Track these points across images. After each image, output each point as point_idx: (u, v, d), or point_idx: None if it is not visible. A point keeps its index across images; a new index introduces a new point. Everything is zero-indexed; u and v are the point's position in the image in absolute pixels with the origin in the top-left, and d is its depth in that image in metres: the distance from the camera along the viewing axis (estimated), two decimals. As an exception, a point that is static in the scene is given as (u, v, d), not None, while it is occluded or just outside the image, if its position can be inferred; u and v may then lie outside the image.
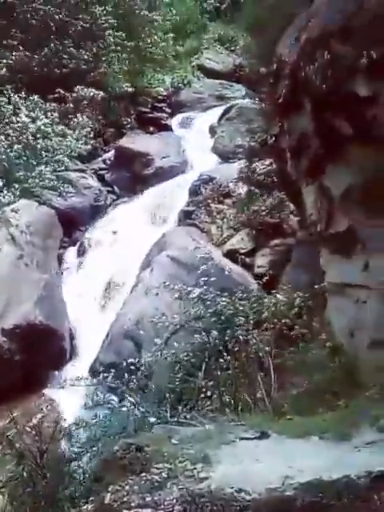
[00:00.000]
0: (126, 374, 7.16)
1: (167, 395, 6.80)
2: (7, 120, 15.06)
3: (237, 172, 14.43)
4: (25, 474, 4.52)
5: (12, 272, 12.08)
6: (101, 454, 4.92)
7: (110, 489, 4.02)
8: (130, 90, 19.33)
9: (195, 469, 3.90)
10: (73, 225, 15.13)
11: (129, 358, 9.09)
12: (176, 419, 5.80)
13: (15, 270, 12.15)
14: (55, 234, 13.95)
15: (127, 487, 4.03)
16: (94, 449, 5.34)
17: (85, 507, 3.98)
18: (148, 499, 3.91)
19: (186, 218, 14.82)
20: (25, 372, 10.88)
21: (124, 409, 5.73)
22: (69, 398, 10.47)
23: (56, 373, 11.66)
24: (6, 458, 4.74)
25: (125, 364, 7.83)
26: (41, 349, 11.12)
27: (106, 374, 7.23)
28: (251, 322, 6.24)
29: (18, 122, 14.93)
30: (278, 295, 6.60)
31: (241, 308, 6.66)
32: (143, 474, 4.21)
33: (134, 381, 7.01)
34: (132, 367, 7.55)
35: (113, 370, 7.37)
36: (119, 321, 11.60)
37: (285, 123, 8.89)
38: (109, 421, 5.97)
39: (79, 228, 15.44)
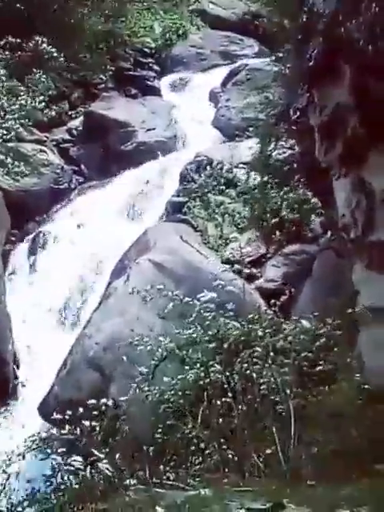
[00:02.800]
0: (89, 418, 7.09)
1: (145, 448, 6.76)
2: None
3: (245, 154, 14.45)
4: None
5: None
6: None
7: None
8: (105, 36, 19.38)
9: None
10: (24, 213, 15.09)
11: (93, 393, 9.10)
12: (158, 480, 5.77)
13: None
14: (1, 224, 13.91)
15: None
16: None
17: None
18: None
19: (174, 211, 14.84)
20: None
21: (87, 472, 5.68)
22: (9, 441, 10.41)
23: (-5, 409, 11.61)
24: None
25: (88, 403, 7.76)
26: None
27: (60, 418, 7.12)
28: (267, 353, 6.22)
29: None
30: (302, 321, 6.59)
31: (252, 334, 6.65)
32: None
33: (100, 427, 6.96)
34: (98, 409, 7.47)
35: (69, 413, 7.27)
36: (82, 344, 11.54)
37: (315, 93, 8.93)
38: (68, 485, 5.94)
39: (33, 218, 15.44)
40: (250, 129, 14.93)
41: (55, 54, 17.56)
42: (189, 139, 17.72)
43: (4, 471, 9.37)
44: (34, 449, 6.87)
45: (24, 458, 6.66)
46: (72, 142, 17.77)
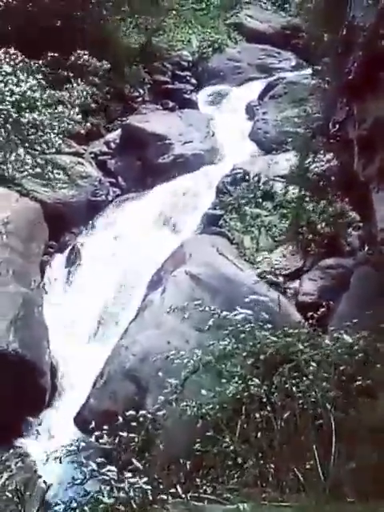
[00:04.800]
0: (125, 430, 7.09)
1: (182, 461, 6.73)
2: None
3: (282, 167, 14.44)
4: None
5: (-19, 283, 12.14)
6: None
7: None
8: (143, 50, 19.55)
9: None
10: (63, 225, 15.23)
11: (129, 405, 9.11)
12: (195, 494, 5.74)
13: (-16, 281, 12.21)
14: (39, 235, 14.03)
15: None
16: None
17: None
18: None
19: (211, 224, 14.86)
20: (-10, 416, 10.88)
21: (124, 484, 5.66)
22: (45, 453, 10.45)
23: (31, 419, 11.65)
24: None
25: (123, 416, 7.76)
26: (13, 387, 11.11)
27: (98, 432, 7.13)
28: (306, 367, 6.19)
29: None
30: (344, 335, 6.54)
31: (290, 348, 6.61)
32: None
33: (136, 440, 6.96)
34: (135, 421, 7.48)
35: (108, 423, 7.27)
36: (118, 356, 11.57)
37: (354, 106, 8.91)
38: (103, 497, 5.91)
39: (71, 229, 15.53)
40: (287, 142, 14.93)
41: (97, 64, 17.64)
42: (226, 152, 17.74)
43: (39, 476, 9.50)
44: (71, 454, 6.87)
45: (61, 461, 6.65)
46: (109, 155, 17.86)
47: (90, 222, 15.91)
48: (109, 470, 5.27)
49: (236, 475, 6.09)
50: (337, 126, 9.98)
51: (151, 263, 13.78)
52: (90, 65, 17.96)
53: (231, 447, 6.26)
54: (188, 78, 21.18)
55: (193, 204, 15.70)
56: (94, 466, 5.51)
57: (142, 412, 7.40)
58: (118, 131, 18.49)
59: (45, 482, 5.38)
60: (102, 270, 14.06)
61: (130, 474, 5.75)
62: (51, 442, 11.02)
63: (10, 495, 4.93)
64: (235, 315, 7.67)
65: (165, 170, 16.98)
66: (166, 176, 16.71)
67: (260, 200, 14.81)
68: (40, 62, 16.57)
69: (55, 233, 14.88)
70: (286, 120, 16.37)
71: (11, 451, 10.89)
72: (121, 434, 6.82)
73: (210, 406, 6.85)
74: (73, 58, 17.53)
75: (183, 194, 16.05)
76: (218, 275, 12.60)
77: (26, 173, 14.60)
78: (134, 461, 5.69)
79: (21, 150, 14.74)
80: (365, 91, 8.34)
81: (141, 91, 19.92)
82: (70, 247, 15.12)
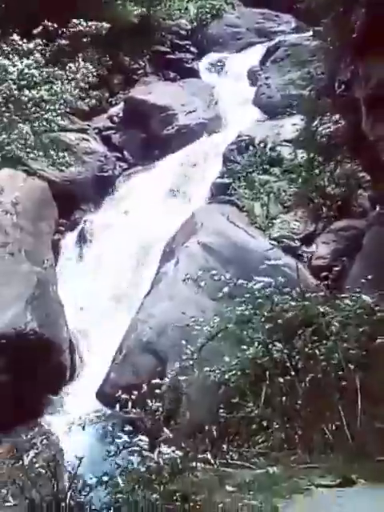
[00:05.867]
0: (149, 400, 7.15)
1: (207, 427, 6.79)
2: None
3: (288, 132, 14.36)
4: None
5: (-6, 265, 12.18)
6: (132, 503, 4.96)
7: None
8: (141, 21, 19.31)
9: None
10: (71, 202, 15.23)
11: (151, 377, 9.17)
12: (224, 460, 5.80)
13: (-2, 261, 12.25)
14: (49, 214, 14.06)
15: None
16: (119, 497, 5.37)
17: None
18: None
19: (219, 192, 14.82)
20: (13, 395, 10.95)
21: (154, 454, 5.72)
22: (69, 429, 10.57)
23: (53, 397, 11.74)
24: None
25: (146, 386, 7.82)
26: (33, 365, 11.17)
27: (121, 400, 7.21)
28: (327, 329, 6.22)
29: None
30: (363, 296, 6.55)
31: (308, 311, 6.64)
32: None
33: (161, 409, 7.02)
34: (157, 390, 7.55)
35: (131, 395, 7.33)
36: (136, 329, 11.63)
37: (359, 65, 8.84)
38: (134, 467, 5.97)
39: (80, 207, 15.54)
40: (292, 105, 14.81)
41: (95, 32, 17.35)
42: (230, 119, 17.63)
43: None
44: (95, 423, 6.96)
45: (84, 428, 6.72)
46: (114, 129, 17.82)
47: (99, 198, 15.90)
48: (140, 440, 5.32)
49: (262, 440, 6.16)
50: (342, 86, 9.90)
51: (162, 235, 13.77)
52: (89, 34, 17.63)
53: (256, 412, 6.32)
54: (188, 46, 20.99)
55: (200, 174, 15.66)
56: (126, 438, 5.56)
57: (166, 380, 7.50)
58: (121, 105, 18.43)
59: (76, 456, 5.41)
60: (113, 245, 14.08)
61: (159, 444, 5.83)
62: (74, 417, 11.14)
63: (43, 471, 4.98)
64: (254, 284, 7.68)
65: (170, 141, 16.94)
66: (172, 147, 16.68)
67: (267, 166, 14.72)
68: (37, 32, 16.33)
69: (64, 211, 14.89)
70: (289, 83, 16.20)
71: (36, 429, 11.05)
72: (147, 403, 6.90)
73: (232, 372, 6.92)
74: (71, 29, 17.20)
75: (190, 164, 16.01)
76: (231, 244, 12.60)
77: (31, 152, 14.60)
78: (165, 430, 5.74)
79: (25, 130, 14.69)
80: (369, 49, 8.27)
81: (141, 63, 19.80)
82: (80, 224, 15.12)
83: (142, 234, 14.02)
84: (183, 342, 8.26)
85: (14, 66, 15.07)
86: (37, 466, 6.41)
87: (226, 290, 8.05)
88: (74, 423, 7.01)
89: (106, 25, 17.24)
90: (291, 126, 14.10)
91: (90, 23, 17.04)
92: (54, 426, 11.18)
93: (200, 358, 7.50)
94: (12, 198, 13.06)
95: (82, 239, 14.73)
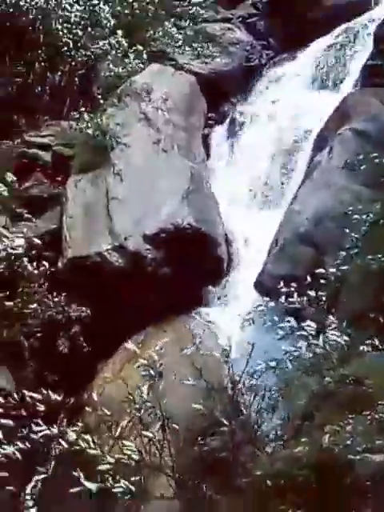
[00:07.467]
0: (309, 290, 7.23)
1: (372, 315, 6.82)
2: None
3: None
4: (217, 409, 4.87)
5: (148, 161, 12.43)
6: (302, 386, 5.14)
7: (326, 429, 4.22)
8: None
9: None
10: (219, 95, 15.14)
11: (309, 267, 9.23)
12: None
13: (152, 158, 12.49)
14: (198, 108, 14.10)
15: (349, 428, 4.21)
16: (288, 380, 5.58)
17: (297, 450, 4.22)
18: (378, 442, 4.07)
19: (372, 75, 14.19)
20: (173, 288, 11.33)
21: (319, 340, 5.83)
22: (230, 319, 10.90)
23: (212, 288, 12.05)
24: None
25: (308, 276, 7.89)
26: (192, 259, 11.45)
27: (281, 291, 7.32)
28: None
29: None
30: None
31: None
32: (367, 413, 4.36)
33: (323, 298, 7.08)
34: (320, 280, 7.62)
35: (290, 286, 7.41)
36: (292, 220, 11.55)
37: None
38: (301, 353, 6.11)
39: (228, 99, 15.44)
40: None
41: None
42: (381, -3, 16.71)
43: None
44: (262, 315, 7.13)
45: (253, 322, 6.93)
46: (257, 16, 17.32)
47: (246, 88, 15.72)
48: (308, 325, 5.44)
49: None
50: None
51: (314, 123, 13.47)
52: None
53: None
54: None
55: (351, 57, 15.07)
56: (294, 322, 5.71)
57: (324, 270, 7.55)
58: (264, -11, 17.84)
59: (248, 342, 5.64)
60: (264, 136, 13.97)
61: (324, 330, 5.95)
62: (234, 308, 11.45)
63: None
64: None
65: (317, 24, 16.24)
66: (319, 31, 16.03)
67: None
68: None
69: (213, 104, 14.82)
70: None
71: (196, 320, 11.44)
72: (308, 293, 7.02)
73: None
74: None
75: (339, 47, 15.42)
76: (386, 128, 12.17)
77: (176, 47, 14.60)
78: (330, 316, 5.84)
79: (169, 24, 14.68)
80: None
81: None
82: (229, 117, 15.07)
83: (292, 122, 13.81)
84: (346, 230, 8.20)
85: None
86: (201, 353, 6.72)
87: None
88: (240, 315, 7.22)
89: None
90: None
91: None
92: (214, 316, 11.53)
93: (363, 246, 7.46)
94: (161, 93, 13.17)
95: (232, 132, 14.69)
